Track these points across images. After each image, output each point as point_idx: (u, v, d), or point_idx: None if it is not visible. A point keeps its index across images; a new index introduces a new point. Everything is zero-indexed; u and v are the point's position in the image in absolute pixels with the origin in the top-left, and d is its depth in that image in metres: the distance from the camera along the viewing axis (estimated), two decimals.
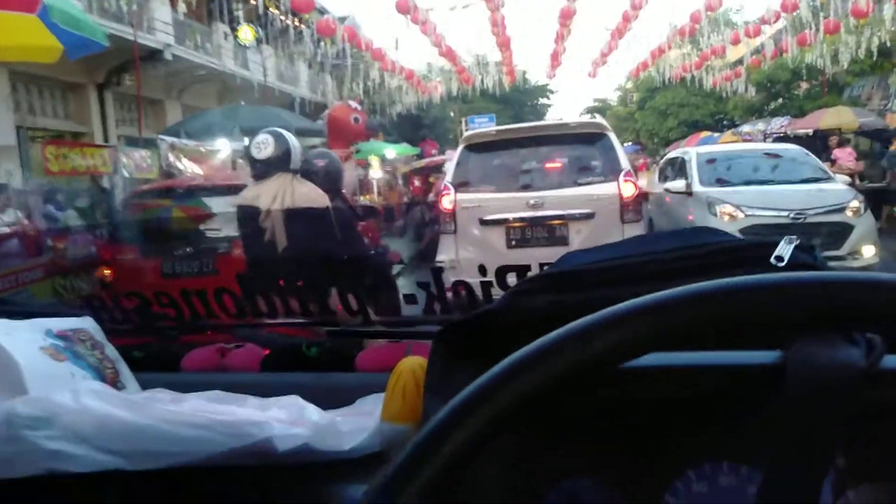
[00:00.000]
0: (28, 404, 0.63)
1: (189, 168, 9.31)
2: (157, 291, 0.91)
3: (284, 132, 2.95)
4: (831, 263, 5.15)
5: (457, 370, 0.64)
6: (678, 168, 7.56)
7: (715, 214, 6.02)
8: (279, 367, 0.89)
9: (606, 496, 0.61)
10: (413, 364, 0.73)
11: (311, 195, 2.79)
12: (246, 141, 10.85)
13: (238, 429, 0.61)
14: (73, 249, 5.70)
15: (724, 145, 12.67)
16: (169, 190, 5.97)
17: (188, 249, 4.31)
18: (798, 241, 0.67)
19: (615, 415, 0.57)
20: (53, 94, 12.28)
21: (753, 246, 0.69)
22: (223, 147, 10.34)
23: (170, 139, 9.68)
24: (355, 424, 0.68)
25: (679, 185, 6.89)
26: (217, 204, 4.90)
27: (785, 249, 0.66)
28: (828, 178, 6.76)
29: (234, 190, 5.05)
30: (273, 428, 0.61)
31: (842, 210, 5.78)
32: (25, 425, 0.61)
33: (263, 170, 2.84)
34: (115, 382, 0.77)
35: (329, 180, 3.02)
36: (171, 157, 9.27)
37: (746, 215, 5.84)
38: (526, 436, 0.58)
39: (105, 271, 4.52)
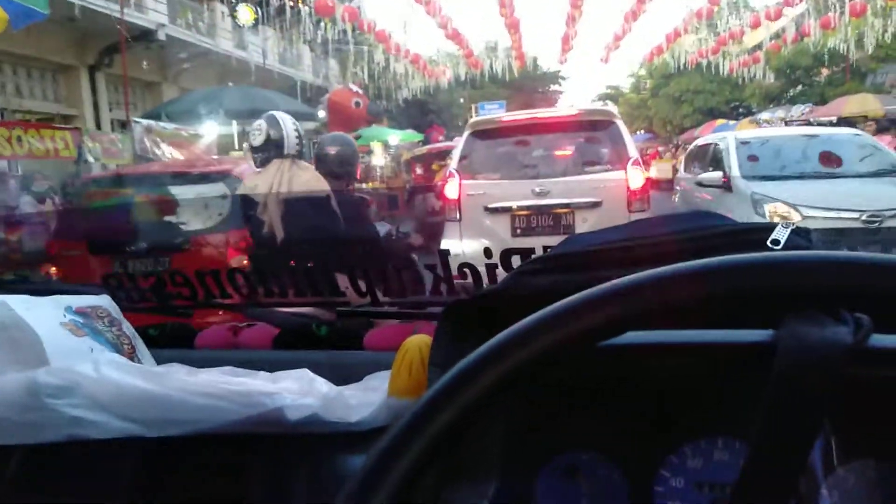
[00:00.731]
0: (50, 374, 0.68)
1: (168, 153, 8.98)
2: (171, 271, 0.97)
3: (280, 115, 2.96)
4: None
5: (461, 347, 0.69)
6: (711, 157, 6.61)
7: (763, 215, 5.13)
8: (290, 346, 0.94)
9: (603, 470, 0.65)
10: (419, 341, 0.78)
11: (311, 181, 2.82)
12: (234, 124, 10.83)
13: (250, 398, 0.67)
14: (30, 242, 5.07)
15: (769, 129, 11.49)
16: (124, 177, 5.52)
17: (143, 245, 3.94)
18: (794, 226, 0.72)
19: (613, 391, 0.62)
20: (43, 76, 12.31)
21: (752, 230, 0.73)
22: (208, 131, 10.12)
23: (146, 122, 9.36)
24: (363, 398, 0.73)
25: (714, 177, 5.98)
26: (190, 194, 4.63)
27: (781, 233, 0.71)
28: None
29: (208, 178, 4.74)
30: (284, 398, 0.67)
31: None
32: (48, 394, 0.67)
33: (262, 157, 2.89)
34: (132, 358, 0.83)
35: (342, 166, 3.04)
36: (148, 142, 8.94)
37: (804, 217, 4.91)
38: (526, 409, 0.62)
39: (50, 269, 4.18)
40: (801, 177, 5.57)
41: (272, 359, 0.87)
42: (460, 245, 5.07)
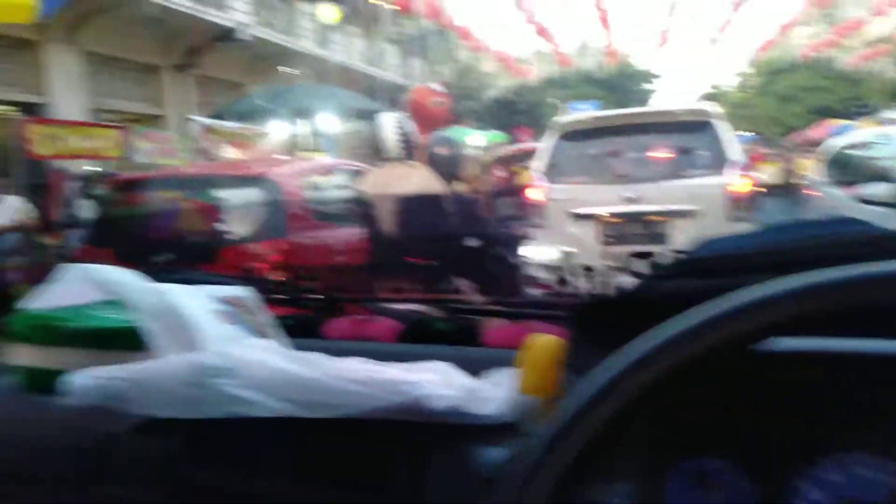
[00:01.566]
0: (213, 356, 0.79)
1: (229, 153, 9.06)
2: (303, 266, 1.08)
3: (384, 117, 3.12)
4: None
5: (596, 349, 0.73)
6: (866, 163, 5.39)
7: None
8: (412, 341, 1.03)
9: (733, 478, 0.68)
10: (545, 341, 0.84)
11: (419, 183, 2.96)
12: (308, 123, 11.06)
13: (394, 386, 0.75)
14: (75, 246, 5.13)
15: None
16: (147, 181, 5.29)
17: (167, 257, 3.54)
18: None
19: (749, 396, 0.64)
20: (127, 76, 13.00)
21: None
22: (276, 130, 10.32)
23: (204, 121, 9.47)
24: (494, 393, 0.79)
25: (884, 190, 4.51)
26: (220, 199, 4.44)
27: None
28: None
29: (238, 182, 4.55)
30: (426, 388, 0.74)
31: None
32: (211, 374, 0.77)
33: (372, 158, 3.27)
34: None
35: (450, 166, 3.21)
36: (207, 141, 8.98)
37: None
38: (653, 413, 0.66)
39: None
40: None
41: (398, 351, 0.95)
42: (545, 252, 5.04)
